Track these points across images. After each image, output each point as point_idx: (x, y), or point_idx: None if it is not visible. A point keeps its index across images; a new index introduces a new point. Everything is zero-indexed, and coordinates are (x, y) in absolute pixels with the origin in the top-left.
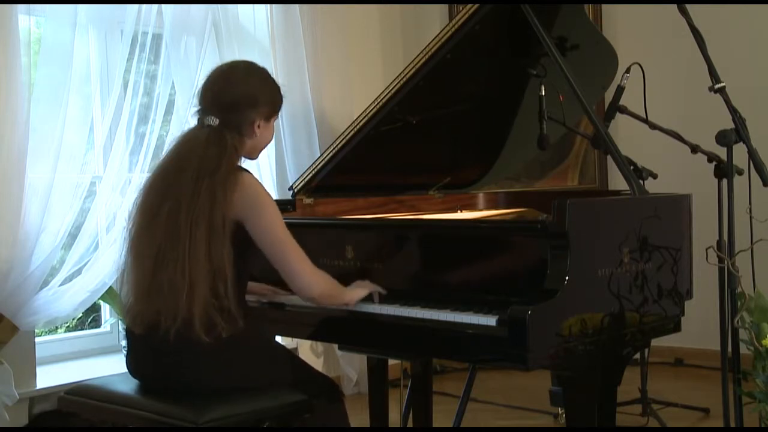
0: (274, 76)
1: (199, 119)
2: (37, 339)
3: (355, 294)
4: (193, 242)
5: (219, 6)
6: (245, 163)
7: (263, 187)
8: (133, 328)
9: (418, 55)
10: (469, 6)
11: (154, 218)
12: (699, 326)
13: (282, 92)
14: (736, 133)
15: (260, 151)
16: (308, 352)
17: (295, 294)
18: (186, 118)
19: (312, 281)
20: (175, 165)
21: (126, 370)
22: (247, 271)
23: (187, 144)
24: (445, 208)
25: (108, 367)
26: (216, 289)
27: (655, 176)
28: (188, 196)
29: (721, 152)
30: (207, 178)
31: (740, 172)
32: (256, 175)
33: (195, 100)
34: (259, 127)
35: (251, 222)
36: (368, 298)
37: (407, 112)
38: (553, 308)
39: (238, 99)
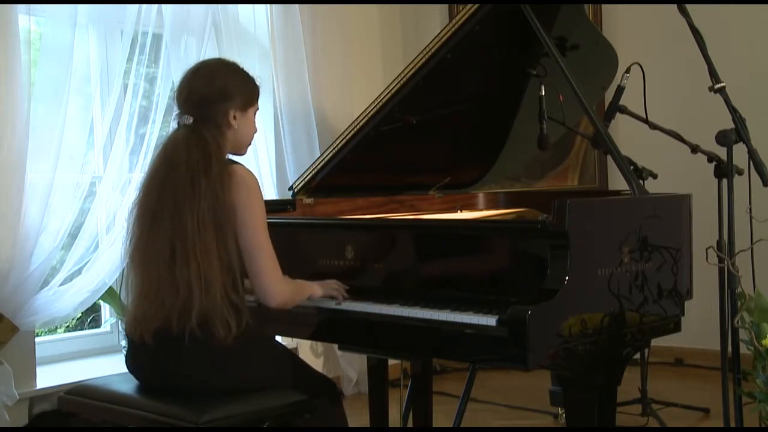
0: (273, 76)
1: (177, 122)
2: (37, 339)
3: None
4: (203, 242)
5: (219, 6)
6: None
7: (256, 181)
8: (141, 333)
9: (418, 55)
10: (469, 6)
11: (156, 224)
12: (699, 326)
13: (257, 83)
14: (736, 133)
15: (246, 146)
16: (308, 352)
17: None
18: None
19: (275, 290)
20: (165, 169)
21: (125, 370)
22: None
23: (171, 147)
24: (445, 208)
25: (108, 367)
26: (227, 285)
27: (655, 176)
28: (189, 198)
29: (721, 152)
30: (203, 178)
31: (740, 172)
32: (256, 174)
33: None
34: (235, 118)
35: (238, 214)
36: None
37: (407, 112)
38: (553, 308)
39: (208, 93)
